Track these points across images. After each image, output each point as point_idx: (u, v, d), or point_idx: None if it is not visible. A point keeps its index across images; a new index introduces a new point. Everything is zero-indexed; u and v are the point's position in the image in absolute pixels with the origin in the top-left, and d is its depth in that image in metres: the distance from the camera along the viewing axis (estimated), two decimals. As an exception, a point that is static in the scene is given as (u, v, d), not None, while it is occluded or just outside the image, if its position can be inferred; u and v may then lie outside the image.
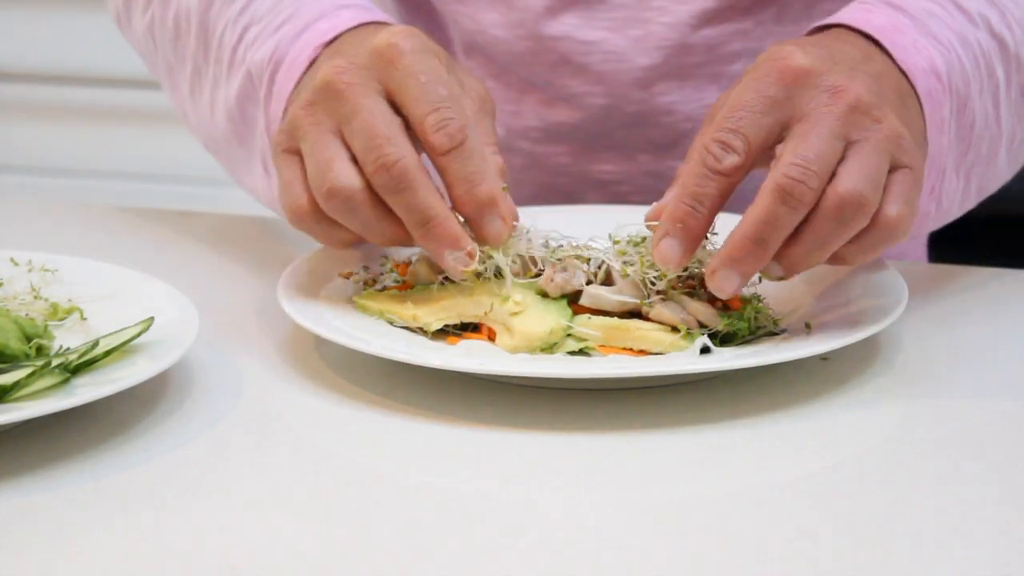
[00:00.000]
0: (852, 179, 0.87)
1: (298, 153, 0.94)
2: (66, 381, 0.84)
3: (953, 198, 1.00)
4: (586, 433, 0.86)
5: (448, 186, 0.92)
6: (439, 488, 0.81)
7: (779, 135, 0.90)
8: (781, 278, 0.90)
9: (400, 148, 0.91)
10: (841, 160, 0.88)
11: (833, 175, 0.88)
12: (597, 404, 0.88)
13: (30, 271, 0.99)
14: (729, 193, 0.90)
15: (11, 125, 2.51)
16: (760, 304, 0.94)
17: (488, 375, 0.89)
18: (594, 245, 0.94)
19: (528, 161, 1.22)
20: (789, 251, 0.88)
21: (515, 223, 0.94)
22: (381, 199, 0.91)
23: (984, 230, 2.24)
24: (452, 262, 0.91)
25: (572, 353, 0.91)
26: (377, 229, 0.92)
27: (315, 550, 0.74)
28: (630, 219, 0.95)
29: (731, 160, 0.89)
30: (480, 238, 0.92)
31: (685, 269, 0.91)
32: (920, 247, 1.34)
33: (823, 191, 0.87)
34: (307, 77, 0.98)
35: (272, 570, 0.72)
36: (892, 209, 0.89)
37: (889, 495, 0.79)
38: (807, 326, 0.93)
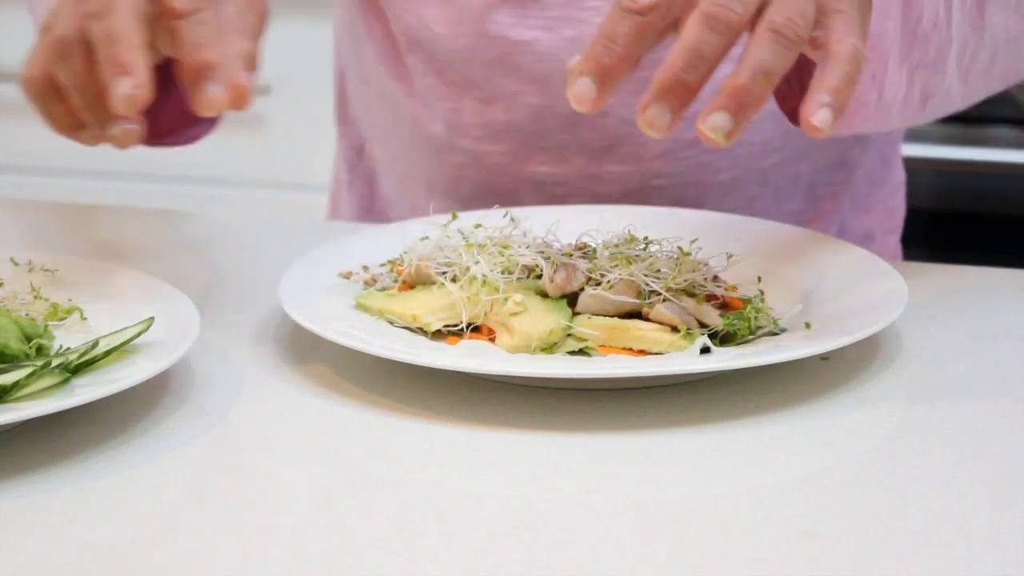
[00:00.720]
0: (782, 9, 0.86)
1: (49, 30, 0.93)
2: (66, 381, 0.84)
3: (895, 94, 0.99)
4: (586, 433, 0.86)
5: (178, 51, 0.89)
6: (439, 488, 0.81)
7: None
8: (730, 134, 0.85)
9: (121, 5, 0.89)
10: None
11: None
12: (597, 404, 0.88)
13: (30, 271, 0.99)
14: (646, 33, 0.87)
15: (11, 125, 2.51)
16: (760, 304, 0.94)
17: (488, 375, 0.89)
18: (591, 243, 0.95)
19: (468, 159, 1.22)
20: (734, 83, 0.85)
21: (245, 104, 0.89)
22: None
23: (983, 230, 2.25)
24: (120, 91, 0.88)
25: (572, 353, 0.91)
26: (83, 81, 0.90)
27: (315, 550, 0.74)
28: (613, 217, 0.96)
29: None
30: (194, 105, 0.89)
31: (685, 280, 0.92)
32: (895, 246, 1.34)
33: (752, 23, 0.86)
34: None
35: (272, 570, 0.72)
36: (842, 45, 0.87)
37: (889, 495, 0.79)
38: (807, 326, 0.93)
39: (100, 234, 1.19)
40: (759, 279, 1.00)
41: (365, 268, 1.01)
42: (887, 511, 0.77)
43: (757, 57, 0.85)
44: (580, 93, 0.87)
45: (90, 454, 0.83)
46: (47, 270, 0.99)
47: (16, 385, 0.83)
